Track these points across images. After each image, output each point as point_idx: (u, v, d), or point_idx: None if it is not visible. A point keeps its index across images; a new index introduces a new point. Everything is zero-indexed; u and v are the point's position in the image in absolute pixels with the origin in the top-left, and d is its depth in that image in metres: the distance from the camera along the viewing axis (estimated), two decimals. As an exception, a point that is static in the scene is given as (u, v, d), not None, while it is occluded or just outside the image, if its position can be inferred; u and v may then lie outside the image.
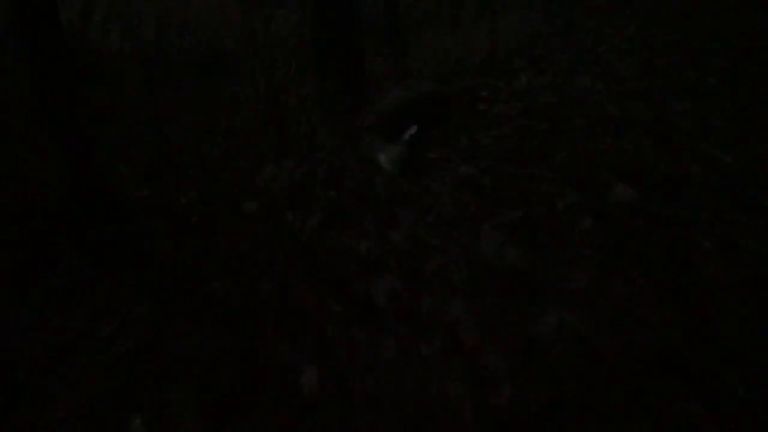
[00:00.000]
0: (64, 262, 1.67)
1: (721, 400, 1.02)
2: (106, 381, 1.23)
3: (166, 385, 1.20)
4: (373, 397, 1.11)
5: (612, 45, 4.45)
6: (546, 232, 1.62)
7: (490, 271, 1.48)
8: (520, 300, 1.35)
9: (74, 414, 1.14)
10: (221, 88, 3.67)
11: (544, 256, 1.51)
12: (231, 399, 1.15)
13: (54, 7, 1.60)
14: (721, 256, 1.42)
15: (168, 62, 4.01)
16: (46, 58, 1.55)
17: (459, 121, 2.72)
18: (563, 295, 1.35)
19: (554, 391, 1.08)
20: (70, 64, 1.59)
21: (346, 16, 2.90)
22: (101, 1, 4.92)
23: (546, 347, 1.19)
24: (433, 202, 1.85)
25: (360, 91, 3.00)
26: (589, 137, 2.31)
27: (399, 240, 1.64)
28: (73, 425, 1.12)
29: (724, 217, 1.60)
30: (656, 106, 2.69)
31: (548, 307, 1.31)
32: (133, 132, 2.74)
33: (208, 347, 1.31)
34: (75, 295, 1.55)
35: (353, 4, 2.93)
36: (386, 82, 3.57)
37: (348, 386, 1.15)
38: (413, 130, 2.23)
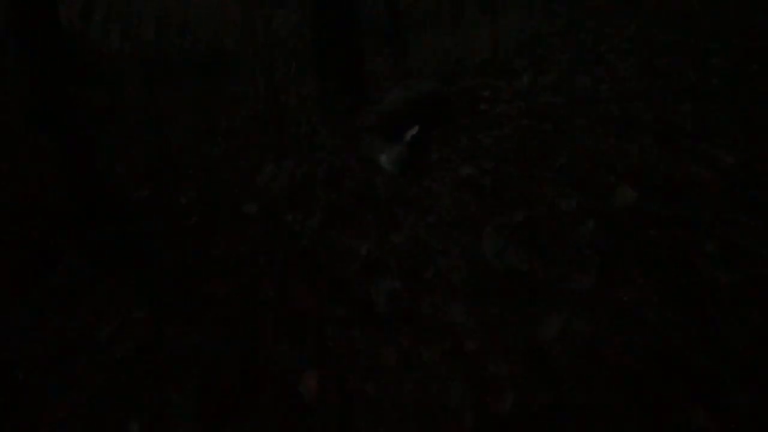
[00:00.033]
0: (64, 262, 1.66)
1: (724, 402, 1.01)
2: (105, 381, 1.23)
3: (166, 386, 1.20)
4: (374, 401, 1.11)
5: (612, 45, 4.45)
6: (547, 233, 1.61)
7: (491, 272, 1.47)
8: (522, 302, 1.35)
9: (74, 414, 1.14)
10: (221, 88, 3.67)
11: (546, 257, 1.51)
12: (230, 400, 1.15)
13: (54, 7, 1.60)
14: (723, 257, 1.42)
15: (168, 62, 4.01)
16: (46, 58, 1.55)
17: (460, 121, 2.72)
18: (565, 298, 1.35)
19: (556, 394, 1.08)
20: (70, 64, 1.59)
21: (346, 16, 2.90)
22: (101, 1, 4.91)
23: (548, 350, 1.19)
24: (434, 203, 1.85)
25: (360, 91, 3.00)
26: (591, 138, 2.31)
27: (399, 241, 1.64)
28: (73, 426, 1.12)
29: (725, 217, 1.60)
30: (657, 106, 2.68)
31: (550, 309, 1.31)
32: (133, 132, 2.74)
33: (208, 348, 1.30)
34: (75, 295, 1.55)
35: (353, 4, 2.93)
36: (386, 82, 3.57)
37: (348, 390, 1.14)
38: (414, 130, 2.23)
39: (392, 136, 2.31)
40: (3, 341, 1.37)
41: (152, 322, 1.41)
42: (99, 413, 1.14)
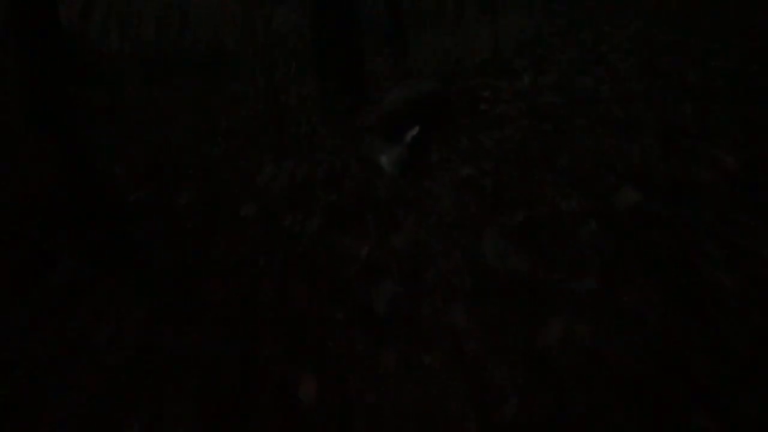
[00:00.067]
0: (63, 262, 1.66)
1: (727, 406, 1.01)
2: (105, 382, 1.23)
3: (166, 387, 1.20)
4: (374, 405, 1.10)
5: (613, 45, 4.45)
6: (549, 234, 1.61)
7: (492, 274, 1.47)
8: (524, 306, 1.34)
9: (74, 414, 1.14)
10: (221, 87, 3.67)
11: (548, 260, 1.50)
12: (230, 403, 1.14)
13: (54, 7, 1.60)
14: (726, 260, 1.42)
15: (168, 62, 4.01)
16: (46, 58, 1.55)
17: (460, 121, 2.71)
18: (568, 301, 1.34)
19: (558, 399, 1.07)
20: (70, 64, 1.59)
21: (346, 16, 2.89)
22: (101, 1, 4.91)
23: (549, 354, 1.19)
24: (434, 204, 1.85)
25: (360, 91, 3.00)
26: (592, 138, 2.30)
27: (399, 243, 1.64)
28: (73, 426, 1.12)
29: (726, 218, 1.59)
30: (658, 106, 2.68)
31: (552, 313, 1.30)
32: (133, 132, 2.74)
33: (208, 349, 1.30)
34: (75, 295, 1.54)
35: (353, 4, 2.93)
36: (386, 82, 3.57)
37: (348, 394, 1.14)
38: (414, 131, 2.22)
39: (392, 136, 2.30)
40: (3, 341, 1.37)
41: (152, 323, 1.41)
42: (99, 413, 1.14)
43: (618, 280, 1.39)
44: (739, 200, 1.69)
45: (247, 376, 1.21)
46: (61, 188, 1.92)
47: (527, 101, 2.97)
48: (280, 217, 1.88)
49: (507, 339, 1.24)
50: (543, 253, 1.52)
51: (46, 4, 1.58)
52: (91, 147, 1.61)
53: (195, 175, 2.25)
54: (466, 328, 1.28)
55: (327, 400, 1.12)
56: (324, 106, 2.95)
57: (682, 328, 1.21)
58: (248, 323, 1.38)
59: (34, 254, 1.71)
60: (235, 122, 2.90)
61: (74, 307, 1.49)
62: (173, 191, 2.11)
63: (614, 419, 1.02)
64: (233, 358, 1.27)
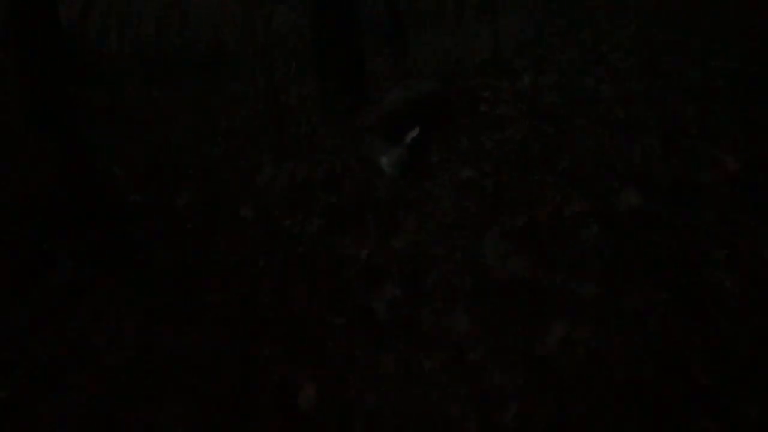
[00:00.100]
0: (63, 263, 1.66)
1: (730, 411, 1.00)
2: (106, 382, 1.23)
3: (165, 388, 1.20)
4: (374, 411, 1.09)
5: (613, 44, 4.44)
6: (551, 238, 1.60)
7: (494, 279, 1.46)
8: (526, 311, 1.33)
9: (74, 414, 1.14)
10: (221, 87, 3.67)
11: (549, 262, 1.49)
12: (229, 406, 1.14)
13: (54, 7, 1.60)
14: (727, 260, 1.41)
15: (168, 62, 4.01)
16: (45, 58, 1.55)
17: (460, 122, 2.71)
18: (570, 306, 1.33)
19: (560, 405, 1.06)
20: (70, 64, 1.59)
21: (346, 16, 2.89)
22: (101, 1, 4.91)
23: (551, 359, 1.17)
24: (435, 207, 1.84)
25: (360, 91, 3.00)
26: (593, 139, 2.30)
27: (400, 246, 1.63)
28: (73, 426, 1.12)
29: (729, 221, 1.59)
30: (659, 107, 2.68)
31: (554, 318, 1.29)
32: (133, 132, 2.74)
33: (207, 350, 1.30)
34: (75, 295, 1.54)
35: (353, 4, 2.93)
36: (386, 82, 3.57)
37: (347, 399, 1.13)
38: (414, 132, 2.22)
39: (392, 136, 2.30)
40: (3, 341, 1.37)
41: (152, 323, 1.41)
42: (99, 413, 1.14)
43: (619, 282, 1.38)
44: (739, 201, 1.69)
45: (247, 376, 1.21)
46: (61, 188, 1.92)
47: (528, 101, 2.97)
48: (279, 218, 1.88)
49: (507, 341, 1.24)
50: (544, 255, 1.52)
51: (46, 4, 1.58)
52: (91, 147, 1.61)
53: (195, 175, 2.25)
54: (467, 332, 1.27)
55: (327, 405, 1.12)
56: (324, 106, 2.95)
57: (682, 329, 1.21)
58: (248, 324, 1.38)
59: (34, 254, 1.71)
60: (235, 122, 2.90)
61: (74, 307, 1.49)
62: (173, 191, 2.11)
63: (615, 421, 1.01)
64: (233, 358, 1.27)
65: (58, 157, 1.59)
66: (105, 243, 1.68)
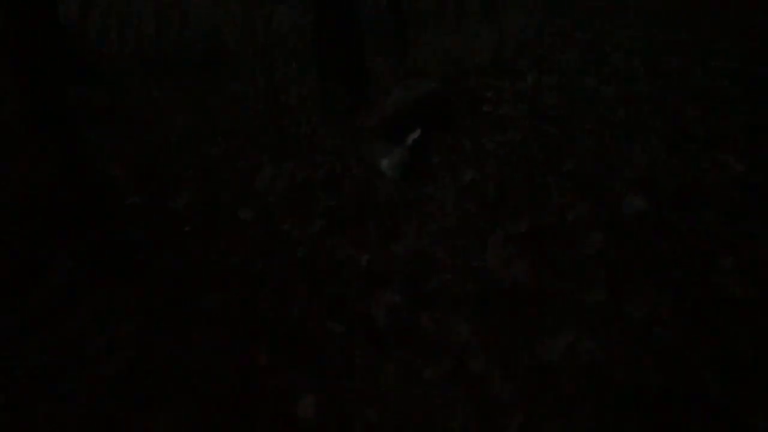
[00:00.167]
0: (62, 263, 1.66)
1: (738, 421, 0.98)
2: (105, 384, 1.22)
3: (164, 389, 1.20)
4: (373, 422, 1.08)
5: (614, 45, 4.44)
6: (554, 244, 1.57)
7: (497, 287, 1.43)
8: (529, 320, 1.31)
9: (74, 414, 1.14)
10: (221, 87, 3.67)
11: (553, 269, 1.47)
12: (227, 416, 1.13)
13: (54, 7, 1.59)
14: (738, 270, 1.38)
15: (168, 62, 4.00)
16: (45, 58, 1.54)
17: (461, 122, 2.70)
18: (573, 313, 1.31)
19: (564, 417, 1.04)
20: (70, 64, 1.58)
21: (347, 16, 2.89)
22: (101, 1, 4.91)
23: (555, 369, 1.15)
24: (436, 210, 1.82)
25: (360, 91, 2.99)
26: (597, 141, 2.28)
27: (400, 251, 1.60)
28: (73, 426, 1.11)
29: (736, 226, 1.56)
30: (664, 108, 2.67)
31: (557, 325, 1.27)
32: (132, 132, 2.74)
33: (206, 353, 1.30)
34: (74, 296, 1.54)
35: (354, 3, 2.92)
36: (387, 82, 3.56)
37: (347, 410, 1.11)
38: (416, 133, 2.21)
39: (393, 138, 2.30)
40: (3, 342, 1.37)
41: (151, 325, 1.40)
42: (98, 414, 1.14)
43: (626, 293, 1.35)
44: (749, 208, 1.66)
45: (247, 380, 1.21)
46: (60, 189, 1.92)
47: (529, 102, 2.96)
48: (279, 220, 1.87)
49: (511, 350, 1.21)
50: (549, 264, 1.49)
51: (46, 4, 1.57)
52: (90, 147, 1.61)
53: (194, 175, 2.24)
54: (469, 341, 1.25)
55: (326, 415, 1.10)
56: (324, 106, 2.94)
57: (690, 339, 1.18)
58: (247, 327, 1.37)
59: (33, 255, 1.70)
60: (235, 122, 2.90)
61: (73, 308, 1.49)
62: (173, 192, 2.11)
63: None
64: (232, 361, 1.26)
65: (58, 157, 1.59)
66: (104, 244, 1.67)
